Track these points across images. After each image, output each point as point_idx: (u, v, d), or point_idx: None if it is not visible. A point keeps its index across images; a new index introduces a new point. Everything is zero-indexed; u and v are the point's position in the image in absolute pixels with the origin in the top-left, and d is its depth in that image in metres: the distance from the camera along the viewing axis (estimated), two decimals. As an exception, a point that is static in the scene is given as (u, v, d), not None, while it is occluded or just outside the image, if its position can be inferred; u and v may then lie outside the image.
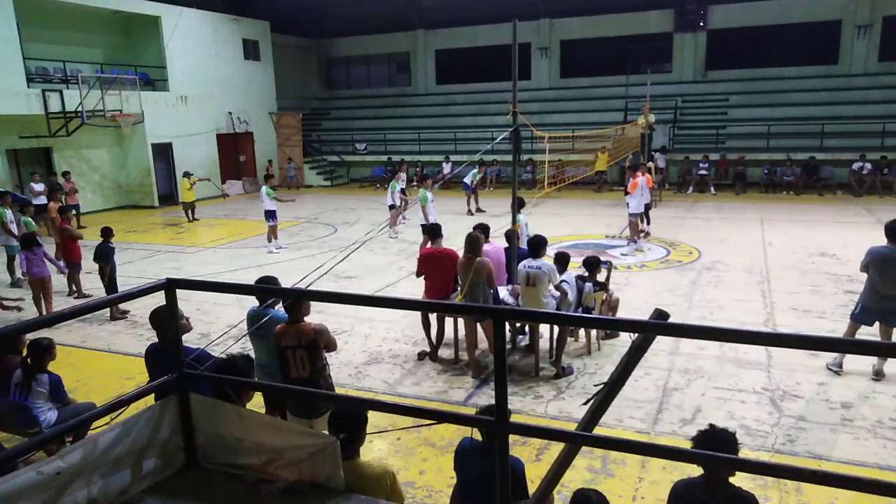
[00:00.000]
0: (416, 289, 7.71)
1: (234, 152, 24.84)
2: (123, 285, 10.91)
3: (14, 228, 11.12)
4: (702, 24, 24.73)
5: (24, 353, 5.15)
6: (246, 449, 2.95)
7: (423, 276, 7.35)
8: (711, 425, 3.40)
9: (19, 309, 9.47)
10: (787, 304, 8.93)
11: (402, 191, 17.93)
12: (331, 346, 4.84)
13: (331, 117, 29.90)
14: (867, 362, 6.74)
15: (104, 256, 9.65)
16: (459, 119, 26.55)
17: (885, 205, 17.05)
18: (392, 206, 15.41)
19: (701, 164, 21.11)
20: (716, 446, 3.17)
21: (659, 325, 2.22)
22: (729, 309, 8.89)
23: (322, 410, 4.45)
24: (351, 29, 29.71)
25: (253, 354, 5.23)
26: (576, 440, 2.57)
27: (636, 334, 2.69)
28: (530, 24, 26.22)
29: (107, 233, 9.81)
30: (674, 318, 7.69)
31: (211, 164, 23.30)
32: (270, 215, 13.45)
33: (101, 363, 7.68)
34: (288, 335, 4.74)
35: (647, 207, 13.33)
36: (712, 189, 20.55)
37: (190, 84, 22.27)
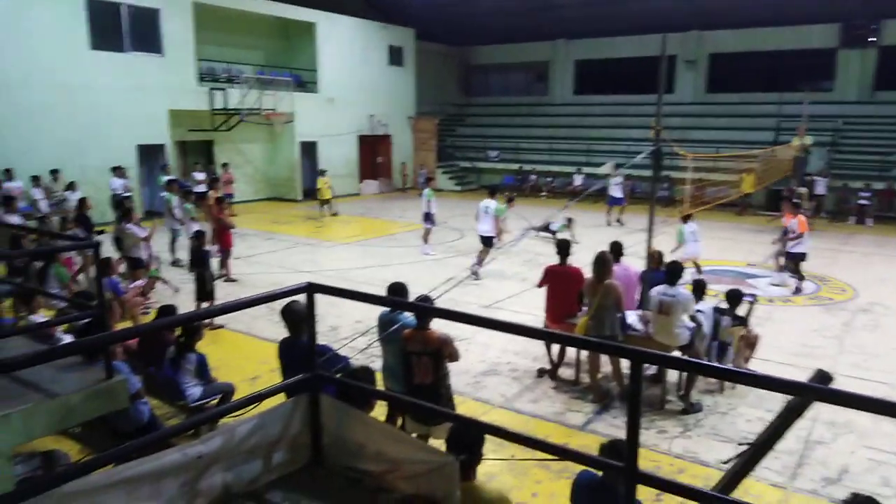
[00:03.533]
0: (538, 300, 7.59)
1: (372, 153, 25.88)
2: (264, 274, 11.71)
3: (178, 213, 12.25)
4: (872, 39, 22.48)
5: (179, 331, 5.64)
6: (367, 455, 3.02)
7: (544, 288, 7.24)
8: (856, 494, 3.06)
9: (177, 289, 10.34)
10: (960, 360, 7.88)
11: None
12: (453, 356, 4.89)
13: (466, 123, 30.34)
14: None
15: (201, 262, 9.01)
16: (594, 131, 25.98)
17: None
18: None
19: (861, 193, 19.20)
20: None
21: (821, 390, 1.99)
22: (887, 358, 7.98)
23: (440, 419, 4.49)
24: (492, 37, 29.96)
25: (381, 355, 5.42)
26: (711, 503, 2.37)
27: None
28: (677, 36, 25.10)
29: (200, 235, 9.23)
30: (821, 364, 7.08)
31: (350, 163, 24.47)
32: (428, 217, 13.83)
33: (242, 345, 8.25)
34: (414, 341, 4.84)
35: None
36: (870, 221, 18.64)
37: (337, 86, 23.47)
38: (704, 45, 25.66)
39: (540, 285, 7.37)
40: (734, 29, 24.65)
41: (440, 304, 9.35)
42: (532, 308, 8.90)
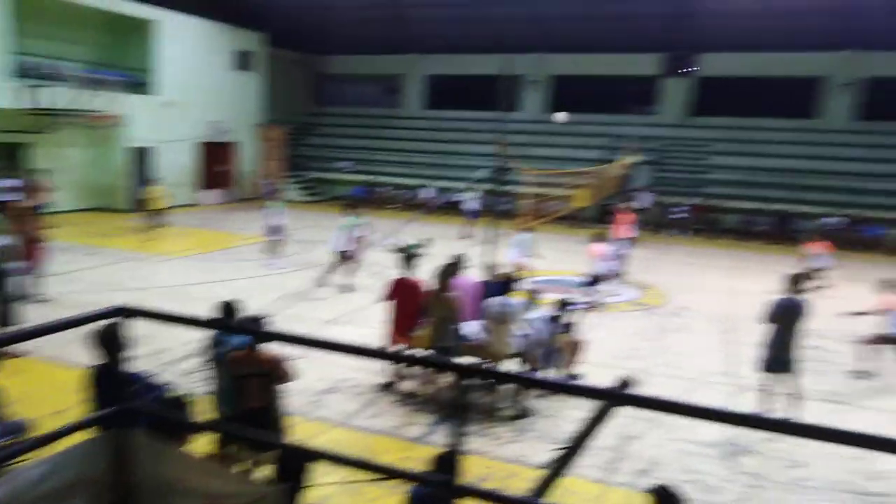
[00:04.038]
0: (382, 315, 7.63)
1: (214, 161, 24.61)
2: (84, 293, 10.69)
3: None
4: (690, 70, 25.24)
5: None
6: (182, 492, 2.84)
7: (390, 302, 7.31)
8: (658, 485, 3.38)
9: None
10: (750, 356, 8.95)
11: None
12: (287, 377, 4.76)
13: (317, 133, 29.89)
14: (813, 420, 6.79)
15: (2, 281, 8.22)
16: (445, 145, 26.71)
17: (854, 260, 17.37)
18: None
19: (679, 208, 21.43)
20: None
21: (623, 395, 2.20)
22: (694, 357, 8.93)
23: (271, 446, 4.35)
24: (347, 48, 29.83)
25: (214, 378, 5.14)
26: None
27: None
28: (524, 57, 26.52)
29: (5, 250, 8.45)
30: (639, 365, 7.69)
31: (188, 171, 23.09)
32: (273, 230, 13.37)
33: (51, 374, 7.45)
34: (245, 363, 4.66)
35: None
36: (686, 233, 20.88)
37: (176, 89, 22.08)
38: (548, 66, 27.30)
39: (385, 298, 7.41)
40: (574, 53, 26.49)
41: (282, 320, 9.11)
42: (378, 322, 8.92)
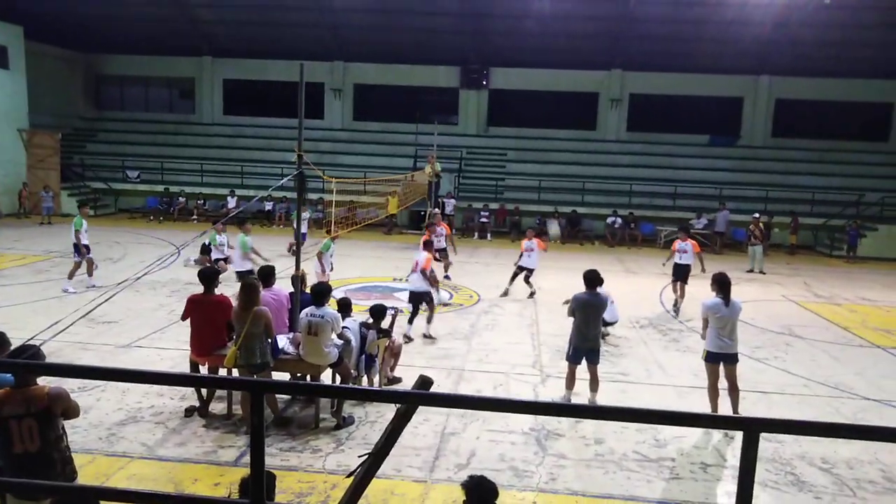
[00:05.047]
0: (186, 336, 7.04)
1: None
2: None
3: None
4: (484, 83, 26.81)
5: None
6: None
7: (188, 321, 6.79)
8: (472, 477, 3.45)
9: None
10: (552, 347, 9.70)
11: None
12: (71, 412, 4.16)
13: (98, 140, 27.01)
14: (608, 399, 7.54)
15: None
16: (247, 152, 25.57)
17: (632, 255, 19.63)
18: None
19: (481, 212, 22.64)
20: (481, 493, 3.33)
21: (422, 395, 2.17)
22: (503, 352, 9.42)
23: (51, 493, 3.77)
24: (127, 46, 27.32)
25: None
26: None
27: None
28: (324, 65, 26.34)
29: None
30: (453, 363, 7.88)
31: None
32: (76, 249, 11.78)
33: None
34: (13, 402, 3.98)
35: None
36: (488, 236, 22.12)
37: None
38: (349, 75, 27.33)
39: (184, 318, 6.88)
40: (375, 63, 26.80)
41: (67, 347, 8.07)
42: (181, 343, 8.23)
